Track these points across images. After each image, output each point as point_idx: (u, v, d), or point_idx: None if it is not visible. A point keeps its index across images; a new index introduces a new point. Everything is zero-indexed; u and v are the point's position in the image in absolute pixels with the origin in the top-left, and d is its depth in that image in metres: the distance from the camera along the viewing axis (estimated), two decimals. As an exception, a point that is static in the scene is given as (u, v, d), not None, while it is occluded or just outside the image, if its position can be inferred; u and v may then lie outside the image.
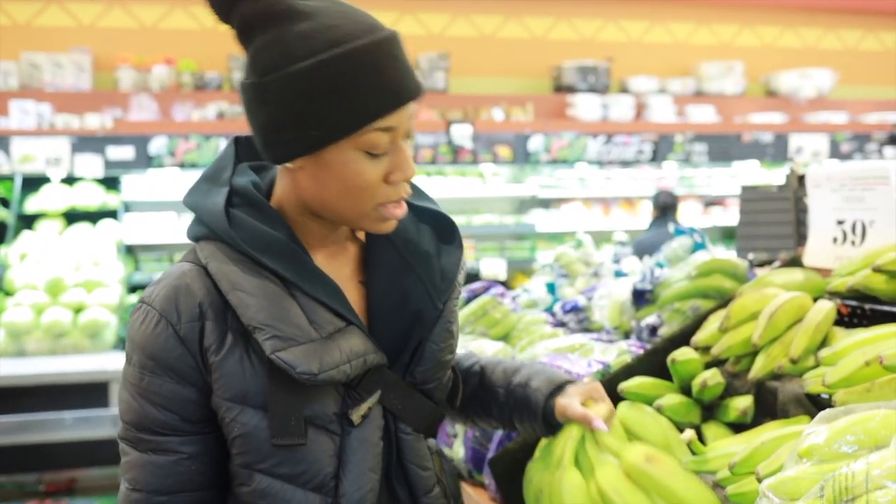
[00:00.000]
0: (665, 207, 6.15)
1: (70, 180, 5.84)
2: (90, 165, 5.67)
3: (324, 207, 1.22)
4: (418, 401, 1.30)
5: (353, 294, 1.28)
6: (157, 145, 5.85)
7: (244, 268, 1.18)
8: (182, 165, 5.90)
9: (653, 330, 2.16)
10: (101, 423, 4.32)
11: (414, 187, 1.35)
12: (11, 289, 5.00)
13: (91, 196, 5.75)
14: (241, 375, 1.17)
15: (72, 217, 5.66)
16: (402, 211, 1.22)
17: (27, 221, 5.62)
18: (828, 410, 1.16)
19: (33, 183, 5.78)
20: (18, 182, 5.75)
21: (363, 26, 1.15)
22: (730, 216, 7.40)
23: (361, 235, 1.34)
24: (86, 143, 5.68)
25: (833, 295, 1.85)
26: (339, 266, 1.29)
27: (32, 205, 5.66)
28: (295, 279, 1.19)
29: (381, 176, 1.18)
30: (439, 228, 1.36)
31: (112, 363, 4.43)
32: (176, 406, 1.18)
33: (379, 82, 1.13)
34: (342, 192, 1.18)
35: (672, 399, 1.72)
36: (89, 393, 4.35)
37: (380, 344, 1.25)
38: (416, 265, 1.29)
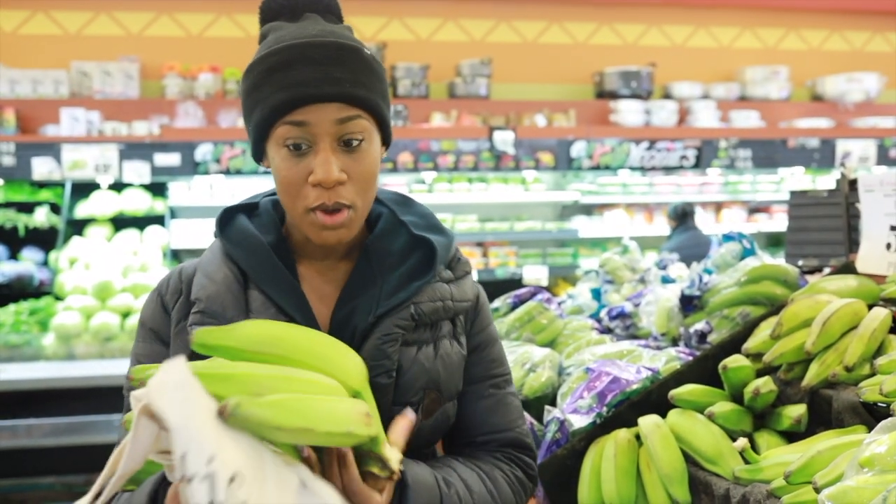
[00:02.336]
0: (685, 215, 6.43)
1: (118, 186, 5.93)
2: (138, 172, 5.77)
3: (285, 209, 1.30)
4: None
5: (324, 308, 1.30)
6: (202, 152, 5.93)
7: (217, 258, 1.32)
8: (227, 172, 5.96)
9: (702, 336, 2.14)
10: (148, 426, 4.37)
11: (423, 214, 1.40)
12: (61, 293, 5.11)
13: (138, 202, 5.84)
14: (185, 350, 1.23)
15: (120, 223, 5.76)
16: (332, 220, 1.23)
17: (77, 227, 5.73)
18: (889, 420, 1.14)
19: (83, 189, 5.89)
20: (68, 188, 5.86)
21: (298, 33, 1.23)
22: (775, 223, 7.29)
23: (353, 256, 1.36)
24: (133, 149, 5.78)
25: (888, 302, 1.82)
26: (325, 282, 1.33)
27: (82, 210, 5.76)
28: (252, 273, 1.29)
29: (304, 176, 1.22)
30: (429, 257, 1.35)
31: (159, 366, 4.49)
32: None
33: (285, 79, 1.20)
34: (280, 190, 1.26)
35: (724, 407, 1.70)
36: (137, 396, 4.42)
37: None
38: (382, 285, 1.30)
